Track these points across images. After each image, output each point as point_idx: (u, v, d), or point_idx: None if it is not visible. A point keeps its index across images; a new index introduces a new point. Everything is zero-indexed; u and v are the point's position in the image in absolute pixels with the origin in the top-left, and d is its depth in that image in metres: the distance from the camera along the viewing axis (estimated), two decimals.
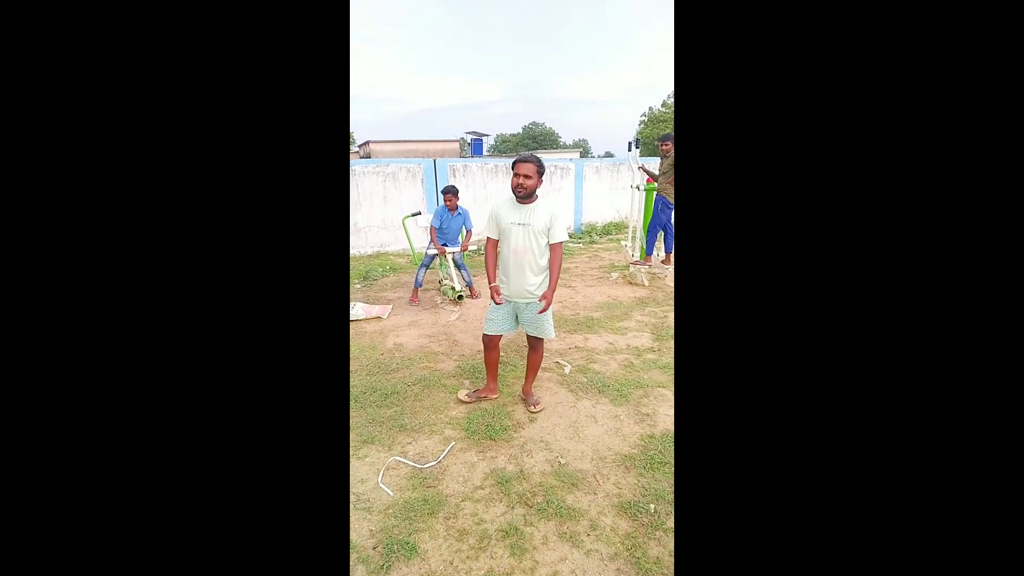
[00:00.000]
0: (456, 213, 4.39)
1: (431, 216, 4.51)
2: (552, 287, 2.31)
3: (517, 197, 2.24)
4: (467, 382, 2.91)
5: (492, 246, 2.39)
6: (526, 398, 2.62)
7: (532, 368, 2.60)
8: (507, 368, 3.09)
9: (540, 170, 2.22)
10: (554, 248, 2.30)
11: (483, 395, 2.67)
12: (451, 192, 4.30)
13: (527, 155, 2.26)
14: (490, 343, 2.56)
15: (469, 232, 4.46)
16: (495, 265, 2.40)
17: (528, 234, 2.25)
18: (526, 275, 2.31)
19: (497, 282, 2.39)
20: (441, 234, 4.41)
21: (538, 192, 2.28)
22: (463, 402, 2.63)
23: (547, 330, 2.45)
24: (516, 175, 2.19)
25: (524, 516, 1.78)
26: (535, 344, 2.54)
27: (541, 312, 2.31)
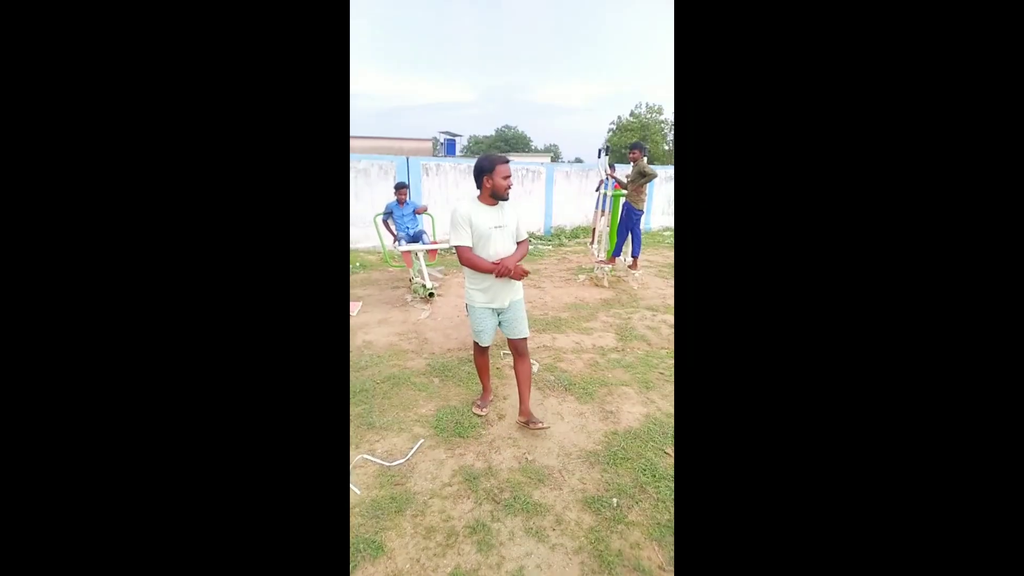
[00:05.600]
0: (405, 204, 5.15)
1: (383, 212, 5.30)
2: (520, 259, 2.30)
3: (501, 199, 2.19)
4: (437, 380, 2.91)
5: (470, 252, 2.19)
6: (528, 420, 2.34)
7: (524, 381, 2.37)
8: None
9: None
10: (522, 244, 2.34)
11: (489, 401, 2.61)
12: (402, 187, 5.17)
13: (506, 156, 2.24)
14: (482, 350, 2.48)
15: (423, 207, 5.30)
16: (483, 263, 2.19)
17: (506, 236, 2.23)
18: (510, 279, 2.25)
19: (471, 292, 2.31)
20: (395, 224, 5.20)
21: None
22: (479, 416, 2.51)
23: (526, 327, 2.40)
24: (506, 177, 2.13)
25: (491, 512, 1.81)
26: (520, 348, 2.38)
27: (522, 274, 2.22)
